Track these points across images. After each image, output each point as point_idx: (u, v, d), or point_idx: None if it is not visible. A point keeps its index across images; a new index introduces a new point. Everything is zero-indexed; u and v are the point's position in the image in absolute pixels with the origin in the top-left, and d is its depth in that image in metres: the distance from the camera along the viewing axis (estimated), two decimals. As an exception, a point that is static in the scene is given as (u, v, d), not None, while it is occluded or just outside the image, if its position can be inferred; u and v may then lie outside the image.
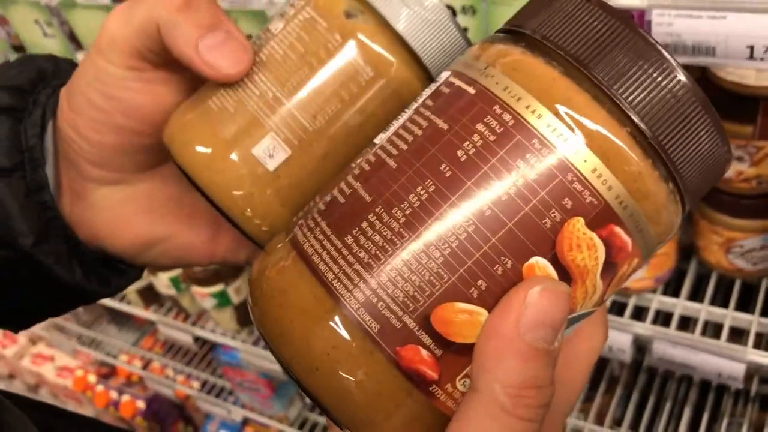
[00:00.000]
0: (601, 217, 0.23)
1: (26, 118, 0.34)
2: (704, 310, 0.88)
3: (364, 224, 0.24)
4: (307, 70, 0.29)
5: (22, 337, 1.88)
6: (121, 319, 1.79)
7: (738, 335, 0.88)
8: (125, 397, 1.68)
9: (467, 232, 0.23)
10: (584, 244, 0.23)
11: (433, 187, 0.23)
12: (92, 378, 1.76)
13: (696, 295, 0.93)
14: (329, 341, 0.23)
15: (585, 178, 0.22)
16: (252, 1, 0.75)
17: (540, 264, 0.23)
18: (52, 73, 0.36)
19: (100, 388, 1.73)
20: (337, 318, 0.23)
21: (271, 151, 0.29)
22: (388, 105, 0.29)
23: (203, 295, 1.26)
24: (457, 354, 0.23)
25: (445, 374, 0.23)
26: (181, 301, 1.39)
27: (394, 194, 0.24)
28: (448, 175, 0.23)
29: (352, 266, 0.24)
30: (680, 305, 0.90)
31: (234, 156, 0.29)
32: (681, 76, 0.23)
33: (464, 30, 0.63)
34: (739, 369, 0.82)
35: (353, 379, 0.23)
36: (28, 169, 0.33)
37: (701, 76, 0.75)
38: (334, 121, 0.29)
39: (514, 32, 0.25)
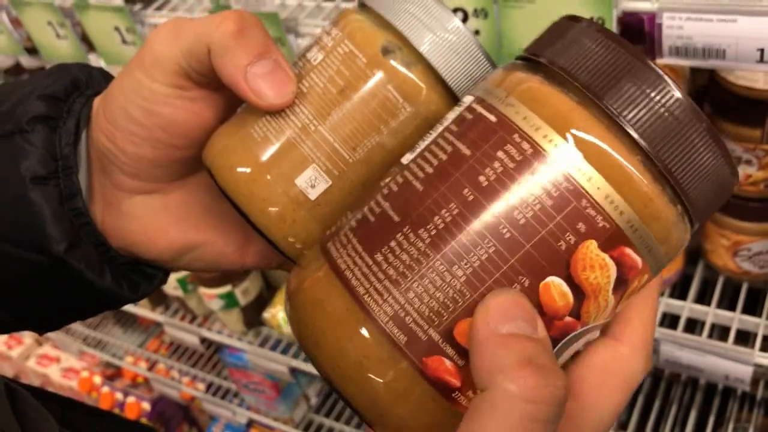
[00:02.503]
0: (612, 239, 0.24)
1: (61, 126, 0.34)
2: (711, 313, 0.88)
3: (393, 243, 0.25)
4: (347, 105, 0.30)
5: (28, 338, 1.88)
6: (126, 321, 1.80)
7: (745, 338, 0.88)
8: (130, 399, 1.68)
9: (488, 254, 0.24)
10: (597, 265, 0.24)
11: (457, 210, 0.25)
12: (98, 379, 1.76)
13: (703, 298, 0.93)
14: (361, 350, 0.25)
15: (598, 204, 0.24)
16: (264, 4, 0.76)
17: (555, 283, 0.24)
18: (86, 83, 0.36)
19: (105, 389, 1.72)
20: (368, 329, 0.25)
21: (312, 182, 0.30)
22: (422, 133, 0.30)
23: (210, 297, 1.26)
24: None
25: (466, 382, 0.25)
26: (188, 302, 1.39)
27: (420, 216, 0.25)
28: (470, 199, 0.25)
29: (381, 282, 0.25)
30: (687, 308, 0.90)
31: (277, 186, 0.30)
32: (685, 102, 0.24)
33: (475, 33, 0.64)
34: (746, 371, 0.82)
35: (383, 384, 0.25)
36: (61, 177, 0.34)
37: (710, 79, 0.75)
38: (373, 152, 0.30)
39: (532, 60, 0.27)
